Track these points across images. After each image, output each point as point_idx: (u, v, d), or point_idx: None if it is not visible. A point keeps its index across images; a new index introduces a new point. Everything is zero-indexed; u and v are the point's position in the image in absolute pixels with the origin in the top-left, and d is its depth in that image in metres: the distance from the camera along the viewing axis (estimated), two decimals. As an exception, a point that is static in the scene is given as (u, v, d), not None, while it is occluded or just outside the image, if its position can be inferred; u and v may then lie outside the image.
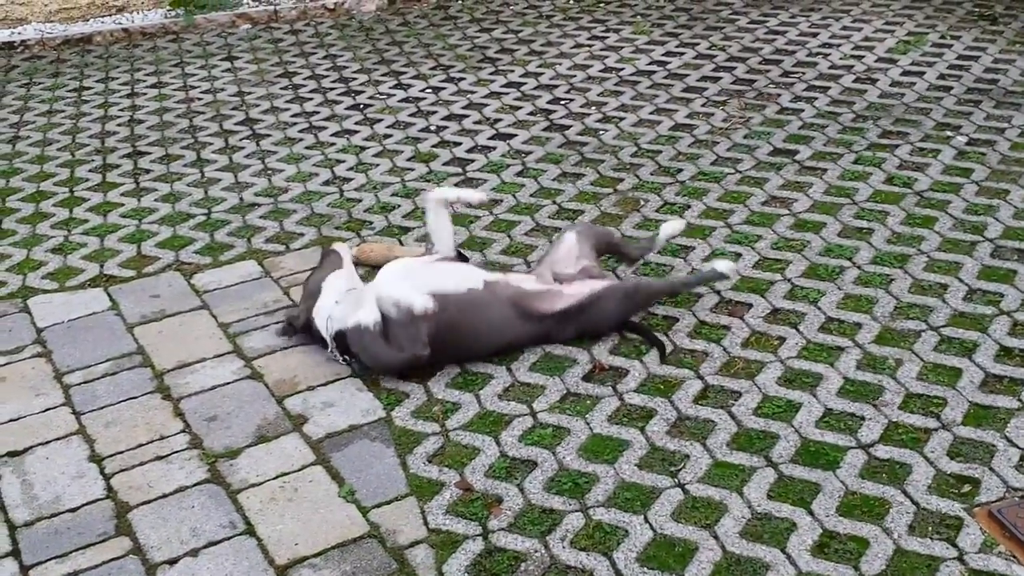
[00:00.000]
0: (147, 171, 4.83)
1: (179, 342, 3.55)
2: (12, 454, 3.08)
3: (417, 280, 3.25)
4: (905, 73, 5.38)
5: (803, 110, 5.03)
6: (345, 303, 3.34)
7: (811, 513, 2.70)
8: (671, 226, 3.73)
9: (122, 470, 2.99)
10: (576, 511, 2.76)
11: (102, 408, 3.25)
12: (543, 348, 3.38)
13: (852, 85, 5.27)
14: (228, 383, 3.34)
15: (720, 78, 5.45)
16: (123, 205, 4.53)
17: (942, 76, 5.32)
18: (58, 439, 3.13)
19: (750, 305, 3.56)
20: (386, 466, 2.96)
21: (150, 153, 5.02)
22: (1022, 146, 4.54)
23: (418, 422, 3.12)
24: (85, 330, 3.65)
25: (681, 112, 5.08)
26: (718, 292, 3.63)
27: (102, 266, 4.04)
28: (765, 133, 4.80)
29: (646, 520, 2.71)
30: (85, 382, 3.38)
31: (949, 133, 4.70)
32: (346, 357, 3.31)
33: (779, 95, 5.21)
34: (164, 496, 2.89)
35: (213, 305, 3.75)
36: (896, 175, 4.36)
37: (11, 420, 3.23)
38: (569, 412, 3.12)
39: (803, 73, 5.45)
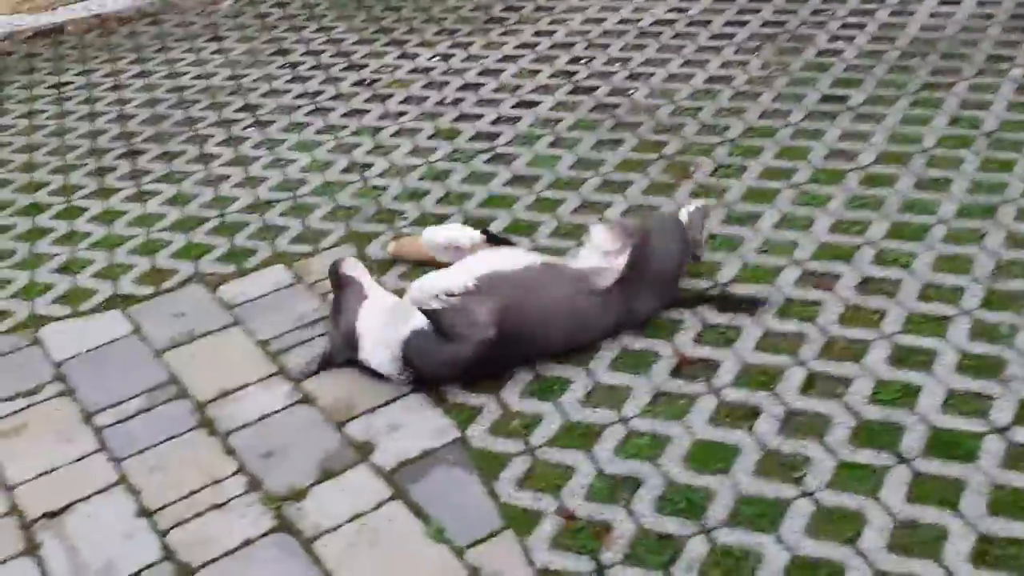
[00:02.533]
0: (147, 172, 4.46)
1: (216, 366, 3.21)
2: (50, 515, 2.76)
3: (453, 270, 2.98)
4: (943, 2, 5.04)
5: (843, 51, 4.69)
6: (393, 319, 3.02)
7: (960, 515, 2.42)
8: (691, 208, 3.40)
9: (177, 524, 2.67)
10: (697, 534, 2.46)
11: (143, 451, 2.92)
12: (621, 344, 3.07)
13: (888, 19, 4.92)
14: (278, 411, 3.01)
15: (747, 22, 5.09)
16: (127, 212, 4.16)
17: (981, 3, 4.98)
18: (99, 492, 2.81)
19: (838, 275, 3.25)
20: (473, 496, 2.65)
21: (147, 151, 4.63)
22: (1089, 73, 4.24)
23: (498, 440, 2.81)
24: (108, 360, 3.31)
25: (713, 63, 4.73)
26: (799, 263, 3.32)
27: (115, 284, 3.69)
28: (810, 79, 4.46)
29: (779, 540, 2.42)
30: (118, 422, 3.05)
31: (1004, 66, 4.38)
32: (413, 376, 2.99)
33: (814, 36, 4.86)
34: (229, 552, 2.58)
35: (246, 320, 3.41)
36: (960, 116, 4.04)
37: (42, 474, 2.90)
38: (664, 416, 2.81)
39: (834, 10, 5.10)
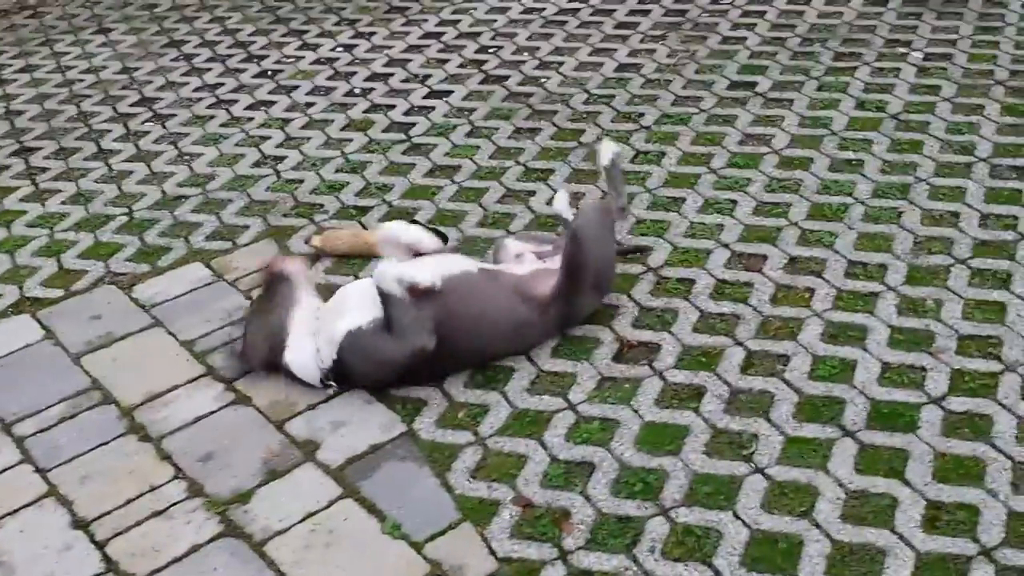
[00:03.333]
0: (43, 170, 4.24)
1: (140, 369, 3.08)
2: (-24, 532, 2.60)
3: (423, 265, 2.90)
4: (835, -9, 5.19)
5: (746, 38, 4.78)
6: (323, 326, 2.94)
7: (908, 484, 2.49)
8: (607, 155, 3.33)
9: (117, 534, 2.55)
10: (656, 515, 2.47)
11: (71, 460, 2.78)
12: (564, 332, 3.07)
13: (787, 7, 5.04)
14: (213, 412, 2.90)
15: (649, 10, 5.14)
16: (26, 213, 3.95)
17: (871, -9, 5.15)
18: (28, 505, 2.65)
19: (765, 256, 3.31)
20: (426, 489, 2.60)
21: (41, 148, 4.41)
22: (980, 57, 4.41)
23: (447, 432, 2.77)
24: (22, 367, 3.13)
25: (621, 51, 4.77)
26: (726, 245, 3.37)
27: (21, 288, 3.50)
28: (716, 66, 4.54)
29: (736, 516, 2.45)
30: (40, 431, 2.89)
31: (902, 50, 4.53)
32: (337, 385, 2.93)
33: (717, 23, 4.94)
34: (177, 560, 2.47)
35: (167, 321, 3.27)
36: (865, 99, 4.17)
37: (-38, 489, 2.73)
38: (611, 400, 2.82)
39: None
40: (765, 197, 3.61)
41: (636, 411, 2.77)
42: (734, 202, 3.60)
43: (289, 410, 2.89)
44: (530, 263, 3.14)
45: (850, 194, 3.58)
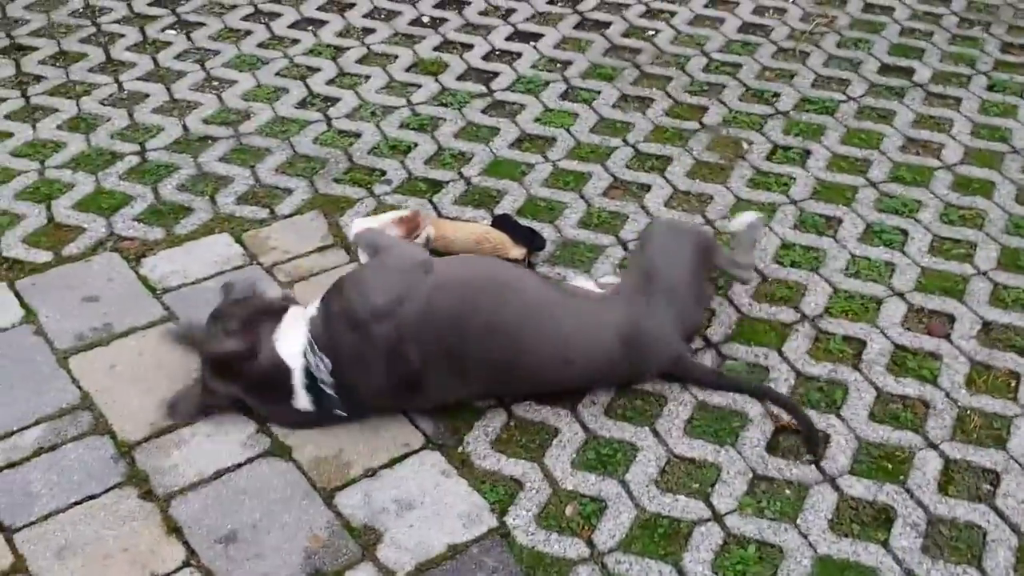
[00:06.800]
0: (37, 78, 3.44)
1: (146, 386, 2.35)
2: (-92, 622, 1.91)
3: None
4: None
5: (893, 8, 3.98)
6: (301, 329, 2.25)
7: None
8: (743, 221, 2.62)
9: (102, 650, 1.87)
10: None
11: (46, 519, 2.06)
12: (693, 395, 2.36)
13: (937, -26, 4.25)
14: (240, 465, 2.19)
15: (774, -43, 4.33)
16: (11, 136, 3.17)
17: None
18: (-17, 586, 1.97)
19: (951, 317, 2.60)
20: (527, 627, 1.93)
21: (36, 48, 3.60)
22: None
23: (551, 536, 2.07)
24: (-9, 362, 2.41)
25: (744, 5, 3.97)
26: (901, 295, 2.65)
27: (-1, 242, 2.75)
28: (862, 41, 3.75)
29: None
30: (9, 465, 2.18)
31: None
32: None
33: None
34: None
35: (183, 315, 2.54)
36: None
37: None
38: (770, 514, 2.12)
39: (873, -46, 4.38)
40: (942, 230, 2.88)
41: (805, 536, 2.09)
42: (904, 232, 2.87)
43: (341, 473, 2.18)
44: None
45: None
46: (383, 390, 2.21)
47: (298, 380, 2.20)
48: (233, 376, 2.23)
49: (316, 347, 2.19)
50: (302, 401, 2.21)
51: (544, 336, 2.24)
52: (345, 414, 2.23)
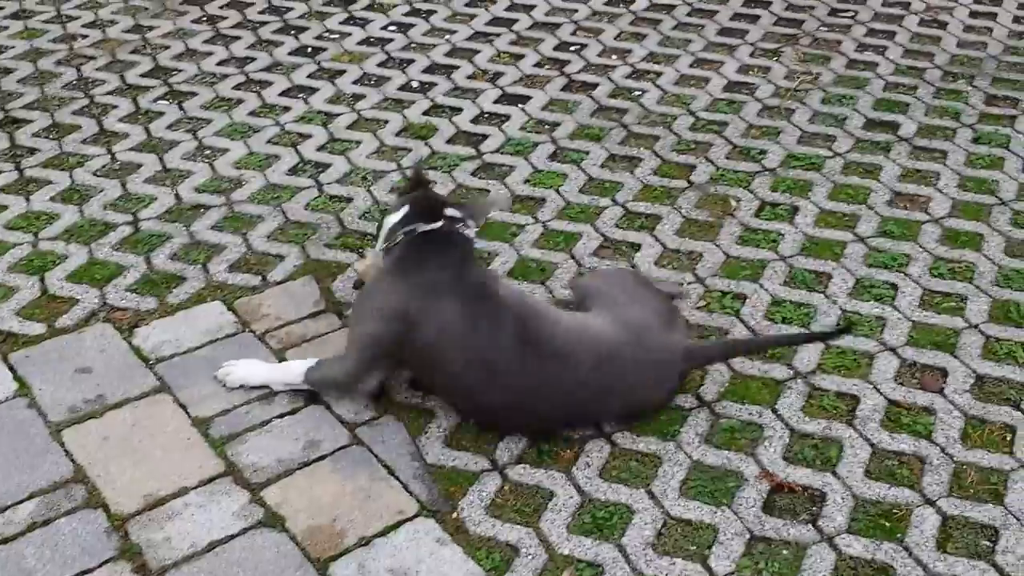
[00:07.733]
0: (31, 151, 3.47)
1: (138, 457, 2.34)
2: None
3: None
4: (973, 15, 4.44)
5: (877, 64, 4.04)
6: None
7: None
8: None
9: None
10: None
11: (38, 597, 2.06)
12: (686, 454, 2.35)
13: (920, 29, 4.30)
14: (233, 536, 2.18)
15: (758, 17, 4.39)
16: (6, 207, 3.19)
17: (1017, 19, 4.42)
18: (-26, 668, 1.94)
19: (943, 371, 2.61)
20: None
21: (30, 121, 3.63)
22: None
23: (549, 604, 2.06)
24: (-16, 437, 2.40)
25: (729, 65, 4.02)
26: (893, 350, 2.66)
27: (-8, 316, 2.76)
28: (847, 97, 3.80)
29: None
30: (2, 541, 2.16)
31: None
32: None
33: (839, 41, 4.20)
34: None
35: (176, 385, 2.54)
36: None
37: None
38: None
39: (855, 12, 4.45)
40: (932, 284, 2.90)
41: (808, 598, 2.08)
42: (894, 287, 2.88)
43: (335, 543, 2.16)
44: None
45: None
46: None
47: None
48: None
49: None
50: None
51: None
52: None
